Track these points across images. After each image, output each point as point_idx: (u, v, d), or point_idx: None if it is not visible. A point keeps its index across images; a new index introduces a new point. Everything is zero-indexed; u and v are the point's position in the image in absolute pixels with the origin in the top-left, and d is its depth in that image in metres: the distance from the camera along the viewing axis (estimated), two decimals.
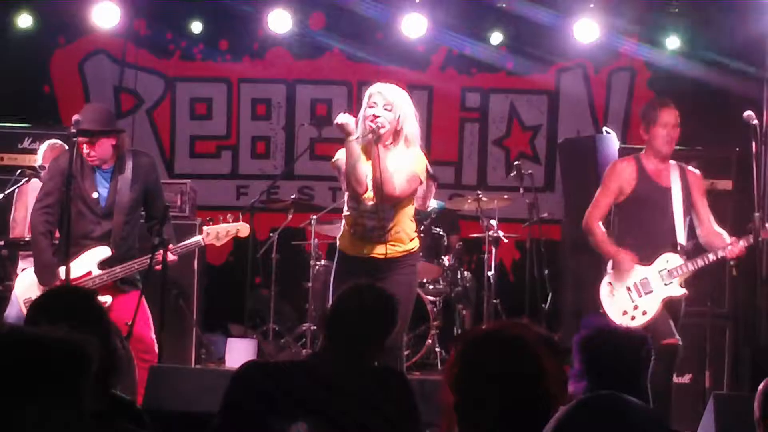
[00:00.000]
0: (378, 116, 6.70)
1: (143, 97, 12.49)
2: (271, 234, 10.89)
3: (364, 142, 6.78)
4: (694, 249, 7.45)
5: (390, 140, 6.81)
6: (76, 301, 3.76)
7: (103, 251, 7.31)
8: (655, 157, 7.40)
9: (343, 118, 6.71)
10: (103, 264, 7.31)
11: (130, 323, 6.91)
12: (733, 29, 10.39)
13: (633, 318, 7.30)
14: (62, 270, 7.24)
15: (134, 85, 12.44)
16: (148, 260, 7.22)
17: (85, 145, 7.25)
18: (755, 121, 7.13)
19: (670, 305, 7.29)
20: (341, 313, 4.38)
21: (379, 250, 6.82)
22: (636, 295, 7.33)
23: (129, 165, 7.40)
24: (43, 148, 8.82)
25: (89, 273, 7.28)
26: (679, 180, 7.41)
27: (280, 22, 11.22)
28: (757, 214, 7.02)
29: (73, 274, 7.20)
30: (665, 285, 7.28)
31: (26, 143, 10.01)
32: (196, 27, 11.72)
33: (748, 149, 7.24)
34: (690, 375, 8.50)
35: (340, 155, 6.89)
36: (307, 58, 12.38)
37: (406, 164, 6.74)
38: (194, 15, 11.64)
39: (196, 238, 7.57)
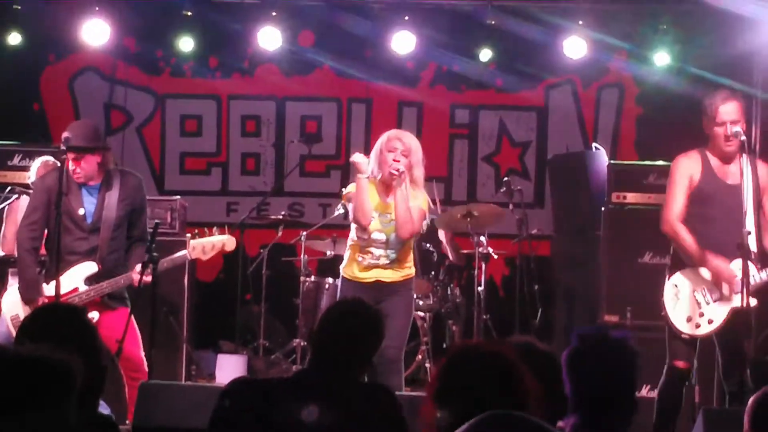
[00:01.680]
0: (398, 160, 7.54)
1: (133, 114, 12.49)
2: (261, 250, 10.90)
3: (379, 180, 7.66)
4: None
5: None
6: (65, 319, 3.75)
7: (90, 267, 7.32)
8: (718, 154, 7.15)
9: (357, 157, 7.65)
10: (90, 280, 7.32)
11: (120, 341, 6.90)
12: (722, 45, 10.42)
13: (698, 326, 7.04)
14: (47, 287, 7.25)
15: (124, 103, 12.45)
16: (134, 275, 7.24)
17: (71, 162, 7.27)
18: (743, 137, 7.13)
19: (737, 318, 6.97)
20: (328, 329, 4.39)
21: (384, 275, 7.66)
22: (703, 301, 7.07)
23: (116, 183, 7.44)
24: (36, 165, 8.80)
25: (76, 289, 7.29)
26: (750, 175, 7.01)
27: (269, 39, 11.22)
28: (746, 230, 7.00)
29: (62, 291, 7.21)
30: (735, 294, 6.95)
31: (16, 160, 10.00)
32: (186, 44, 11.70)
33: None
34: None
35: (352, 189, 7.74)
36: (297, 75, 12.38)
37: (415, 202, 7.64)
38: (184, 32, 11.62)
39: (182, 253, 7.56)
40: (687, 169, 7.18)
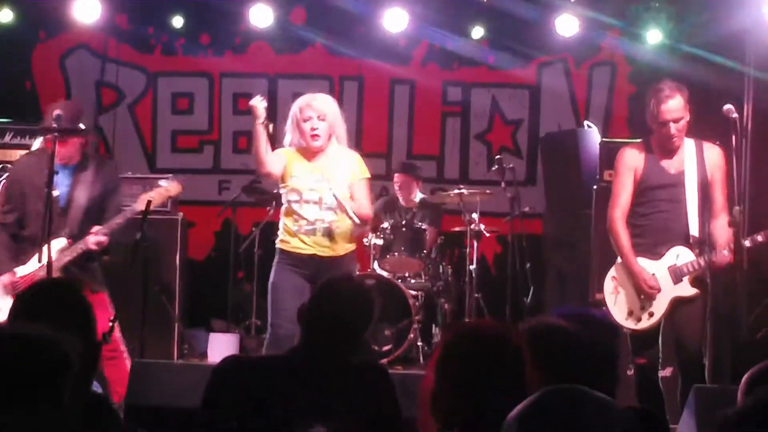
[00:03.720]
0: (316, 128, 7.41)
1: (125, 92, 12.46)
2: (254, 229, 10.90)
3: (308, 146, 7.47)
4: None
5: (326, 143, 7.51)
6: (62, 296, 3.72)
7: (60, 242, 7.32)
8: (662, 146, 7.06)
9: (255, 100, 7.35)
10: (61, 254, 7.32)
11: (111, 320, 6.90)
12: (714, 23, 10.39)
13: (639, 320, 6.92)
14: (24, 267, 7.30)
15: (116, 80, 12.41)
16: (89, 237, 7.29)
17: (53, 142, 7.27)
18: (735, 115, 7.10)
19: (688, 309, 6.91)
20: (318, 309, 4.36)
21: (322, 245, 7.39)
22: (643, 293, 6.92)
23: (92, 165, 7.53)
24: (37, 144, 8.77)
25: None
26: (694, 161, 7.02)
27: (261, 16, 11.20)
28: (737, 208, 6.97)
29: (29, 270, 7.31)
30: (674, 284, 6.89)
31: (7, 138, 10.00)
32: (178, 22, 11.69)
33: (729, 143, 7.23)
34: (671, 369, 8.52)
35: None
36: (289, 53, 12.36)
37: (350, 163, 7.52)
38: (176, 10, 11.61)
39: (130, 207, 7.53)
40: (631, 161, 7.07)
